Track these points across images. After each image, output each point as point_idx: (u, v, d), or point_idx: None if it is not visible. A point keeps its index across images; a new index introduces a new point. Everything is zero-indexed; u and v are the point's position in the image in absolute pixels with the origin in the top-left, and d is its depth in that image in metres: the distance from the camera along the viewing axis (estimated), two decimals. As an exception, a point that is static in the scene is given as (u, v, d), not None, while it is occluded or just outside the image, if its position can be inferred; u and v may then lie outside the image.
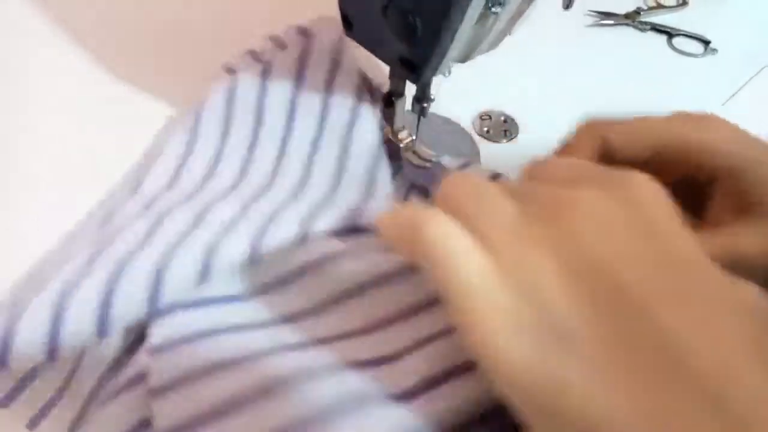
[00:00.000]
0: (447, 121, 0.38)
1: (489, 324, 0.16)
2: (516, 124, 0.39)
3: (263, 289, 0.25)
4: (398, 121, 0.34)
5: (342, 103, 0.33)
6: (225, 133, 0.33)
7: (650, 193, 0.18)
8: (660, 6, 0.50)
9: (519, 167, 0.36)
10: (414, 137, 0.35)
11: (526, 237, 0.17)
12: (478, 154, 0.37)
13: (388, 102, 0.32)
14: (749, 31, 0.48)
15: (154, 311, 0.23)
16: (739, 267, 0.20)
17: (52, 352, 0.22)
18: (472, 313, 0.17)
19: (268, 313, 0.24)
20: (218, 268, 0.23)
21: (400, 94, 0.32)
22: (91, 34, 0.42)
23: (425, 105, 0.32)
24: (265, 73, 0.34)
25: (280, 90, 0.34)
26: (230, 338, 0.22)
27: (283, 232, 0.25)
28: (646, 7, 0.49)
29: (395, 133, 0.35)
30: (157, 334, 0.22)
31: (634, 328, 0.16)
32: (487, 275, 0.17)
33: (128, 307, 0.22)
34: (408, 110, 0.33)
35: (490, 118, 0.39)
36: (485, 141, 0.38)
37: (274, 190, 0.30)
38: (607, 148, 0.25)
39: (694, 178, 0.25)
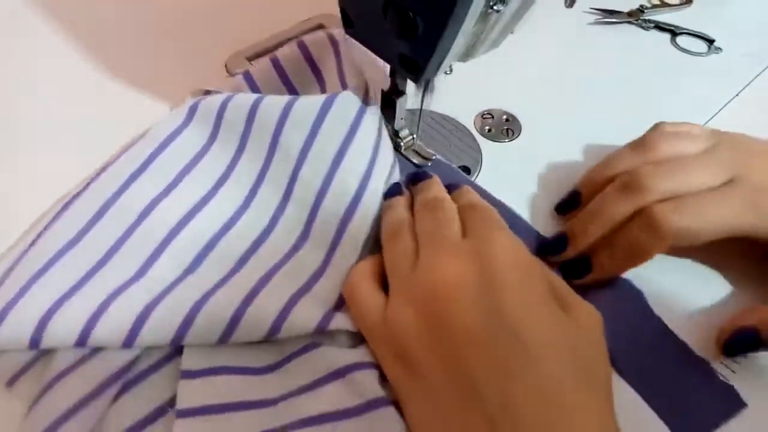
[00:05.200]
0: (448, 120, 0.38)
1: (372, 344, 0.25)
2: (518, 122, 0.39)
3: (273, 366, 0.26)
4: (399, 120, 0.34)
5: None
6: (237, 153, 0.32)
7: (506, 254, 0.23)
8: (664, 4, 0.49)
9: (520, 166, 0.36)
10: (415, 136, 0.35)
11: (407, 289, 0.24)
12: (479, 152, 0.37)
13: (389, 101, 0.32)
14: (753, 30, 0.48)
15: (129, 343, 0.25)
16: None
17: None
18: (366, 336, 0.25)
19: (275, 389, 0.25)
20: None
21: (401, 92, 0.32)
22: (90, 31, 0.42)
23: (426, 104, 0.31)
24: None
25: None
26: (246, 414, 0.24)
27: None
28: (649, 5, 0.49)
29: (396, 132, 0.34)
30: (184, 396, 0.24)
31: (453, 367, 0.21)
32: (377, 321, 0.24)
33: (111, 335, 0.24)
34: (408, 109, 0.33)
35: (492, 116, 0.39)
36: (487, 140, 0.37)
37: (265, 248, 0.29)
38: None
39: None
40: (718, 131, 0.31)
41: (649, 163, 0.29)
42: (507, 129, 0.38)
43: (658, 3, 0.49)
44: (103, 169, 0.31)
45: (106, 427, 0.23)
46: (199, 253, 0.28)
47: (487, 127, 0.38)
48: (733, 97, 0.41)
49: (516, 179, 0.35)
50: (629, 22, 0.48)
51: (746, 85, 0.42)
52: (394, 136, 0.34)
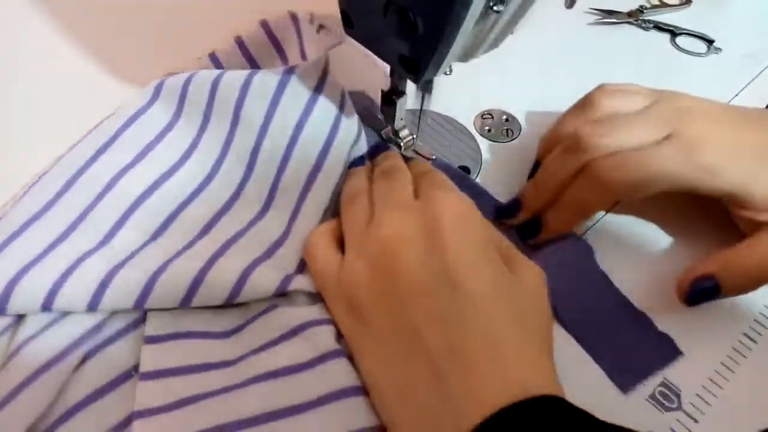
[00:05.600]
0: (448, 120, 0.38)
1: (329, 302, 0.26)
2: (517, 123, 0.39)
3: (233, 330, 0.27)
4: (399, 120, 0.34)
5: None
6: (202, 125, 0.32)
7: (449, 208, 0.24)
8: (663, 4, 0.49)
9: (520, 166, 0.36)
10: (414, 136, 0.35)
11: (359, 245, 0.25)
12: (479, 153, 0.37)
13: (389, 101, 0.32)
14: (753, 30, 0.48)
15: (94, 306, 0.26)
16: None
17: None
18: (324, 294, 0.26)
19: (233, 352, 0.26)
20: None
21: (401, 92, 0.32)
22: (88, 30, 0.42)
23: (426, 104, 0.31)
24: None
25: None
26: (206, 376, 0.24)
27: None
28: (649, 6, 0.49)
29: (396, 132, 0.34)
30: (147, 359, 0.25)
31: (399, 317, 0.22)
32: (333, 277, 0.26)
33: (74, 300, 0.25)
34: (408, 109, 0.33)
35: (492, 117, 0.39)
36: (486, 140, 0.37)
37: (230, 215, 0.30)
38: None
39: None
40: (659, 90, 0.32)
41: (590, 122, 0.30)
42: (507, 129, 0.38)
43: (658, 3, 0.49)
44: (72, 146, 0.32)
45: (71, 392, 0.24)
46: (163, 222, 0.29)
47: (486, 127, 0.38)
48: (733, 98, 0.41)
49: (516, 179, 0.35)
50: (629, 23, 0.48)
51: (746, 86, 0.42)
52: (394, 136, 0.34)
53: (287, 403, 0.23)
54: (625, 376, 0.27)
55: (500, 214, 0.32)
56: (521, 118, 0.39)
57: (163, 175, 0.31)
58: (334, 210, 0.30)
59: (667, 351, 0.28)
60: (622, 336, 0.28)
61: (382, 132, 0.35)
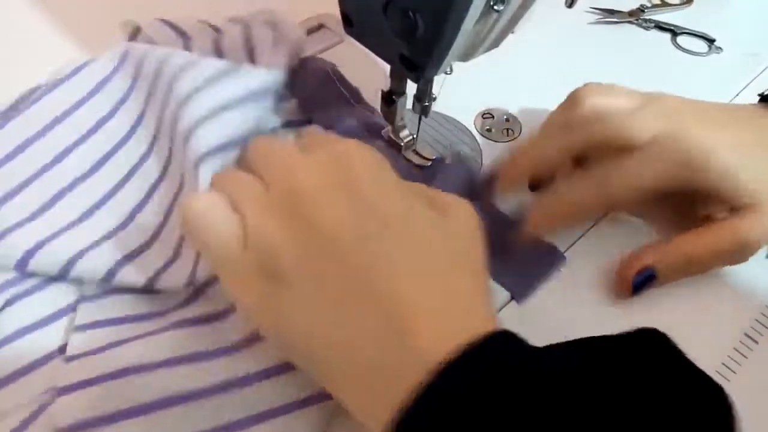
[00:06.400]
0: (449, 120, 0.38)
1: (230, 276, 0.23)
2: (518, 122, 0.39)
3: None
4: (399, 120, 0.34)
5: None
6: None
7: (357, 153, 0.23)
8: (664, 4, 0.49)
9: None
10: (415, 136, 0.34)
11: (267, 205, 0.23)
12: (479, 152, 0.37)
13: (389, 101, 0.32)
14: (754, 30, 0.48)
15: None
16: (746, 252, 0.29)
17: None
18: (222, 268, 0.23)
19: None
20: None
21: (401, 92, 0.32)
22: (88, 31, 0.42)
23: (426, 104, 0.31)
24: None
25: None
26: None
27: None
28: (650, 5, 0.49)
29: (396, 132, 0.34)
30: (72, 345, 0.26)
31: (333, 267, 0.21)
32: (233, 239, 0.22)
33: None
34: (409, 109, 0.33)
35: (492, 116, 0.39)
36: (487, 140, 0.37)
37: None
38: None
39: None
40: (645, 92, 0.32)
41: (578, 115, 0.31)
42: (507, 129, 0.38)
43: (659, 3, 0.49)
44: (30, 101, 0.33)
45: None
46: (98, 201, 0.31)
47: (487, 127, 0.38)
48: (734, 97, 0.41)
49: (516, 179, 0.34)
50: (630, 22, 0.48)
51: (746, 85, 0.42)
52: (395, 136, 0.34)
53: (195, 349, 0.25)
54: (517, 285, 0.29)
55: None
56: (522, 118, 0.39)
57: (106, 154, 0.32)
58: None
59: (553, 257, 0.31)
60: (512, 251, 0.30)
61: (382, 132, 0.35)
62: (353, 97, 0.36)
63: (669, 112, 0.29)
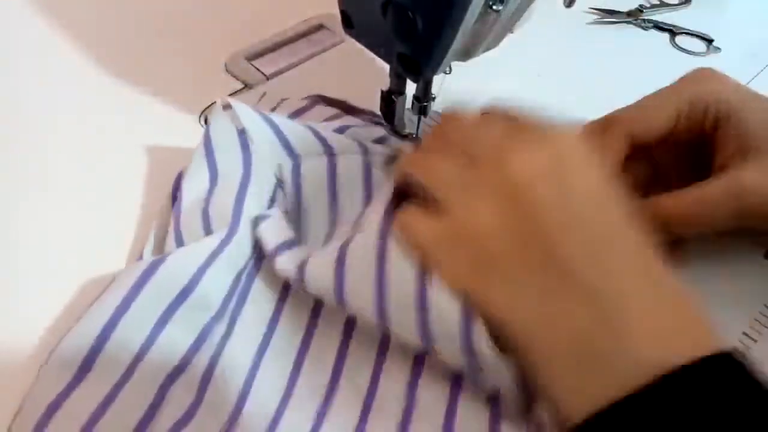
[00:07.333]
0: (448, 120, 0.38)
1: (443, 267, 0.23)
2: (517, 122, 0.39)
3: None
4: (399, 120, 0.34)
5: None
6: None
7: (571, 149, 0.23)
8: (663, 4, 0.49)
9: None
10: (414, 136, 0.35)
11: (472, 187, 0.23)
12: (479, 152, 0.36)
13: (389, 101, 0.32)
14: (752, 30, 0.48)
15: None
16: (745, 201, 0.26)
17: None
18: (434, 265, 0.23)
19: None
20: None
21: (401, 92, 0.32)
22: (87, 29, 0.42)
23: (426, 104, 0.31)
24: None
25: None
26: None
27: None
28: (648, 5, 0.49)
29: (396, 132, 0.34)
30: None
31: (546, 256, 0.21)
32: (440, 238, 0.23)
33: None
34: (408, 108, 0.33)
35: (492, 116, 0.39)
36: (486, 140, 0.37)
37: None
38: (635, 141, 0.29)
39: (704, 133, 0.29)
40: None
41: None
42: (506, 129, 0.38)
43: (657, 3, 0.49)
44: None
45: None
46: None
47: (486, 127, 0.38)
48: (732, 97, 0.41)
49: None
50: (628, 22, 0.48)
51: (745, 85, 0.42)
52: (395, 135, 0.34)
53: None
54: None
55: None
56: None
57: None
58: None
59: None
60: None
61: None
62: (343, 110, 0.36)
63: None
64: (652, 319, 0.20)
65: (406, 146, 0.32)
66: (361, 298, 0.24)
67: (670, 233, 0.27)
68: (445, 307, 0.22)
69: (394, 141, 0.33)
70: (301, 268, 0.25)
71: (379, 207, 0.25)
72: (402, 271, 0.23)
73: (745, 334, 0.29)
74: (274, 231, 0.27)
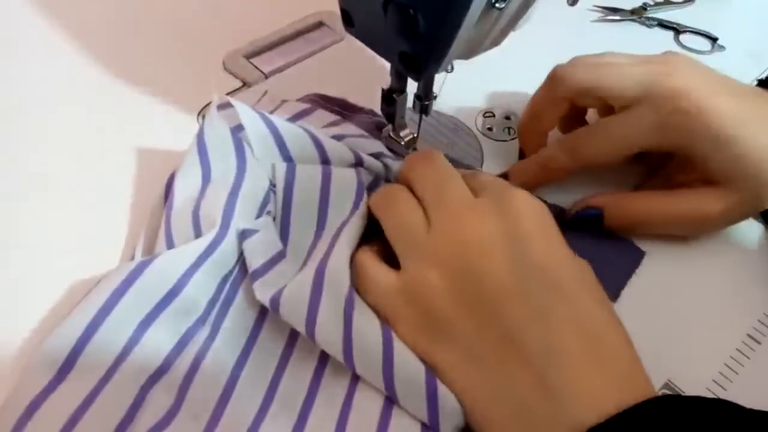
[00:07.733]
0: (449, 119, 0.38)
1: (397, 321, 0.23)
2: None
3: None
4: (399, 119, 0.33)
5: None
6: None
7: (526, 218, 0.23)
8: (667, 2, 0.49)
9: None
10: (415, 135, 0.34)
11: (426, 252, 0.23)
12: (480, 151, 0.36)
13: (390, 99, 0.32)
14: (757, 28, 0.48)
15: None
16: (704, 224, 0.30)
17: None
18: (389, 317, 0.24)
19: None
20: None
21: (402, 91, 0.32)
22: (86, 27, 0.41)
23: (427, 103, 0.31)
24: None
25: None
26: None
27: None
28: (652, 3, 0.49)
29: (396, 131, 0.34)
30: None
31: (490, 322, 0.22)
32: (392, 292, 0.23)
33: None
34: (409, 107, 0.32)
35: (493, 115, 0.39)
36: (488, 138, 0.37)
37: None
38: (575, 104, 0.32)
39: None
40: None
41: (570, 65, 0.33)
42: (508, 128, 0.38)
43: (662, 1, 0.49)
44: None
45: None
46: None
47: (488, 126, 0.38)
48: (737, 96, 0.41)
49: (517, 178, 0.34)
50: (632, 20, 0.47)
51: (749, 84, 0.42)
52: (395, 135, 0.34)
53: None
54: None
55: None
56: (523, 117, 0.38)
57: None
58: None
59: (633, 254, 0.30)
60: (592, 251, 0.27)
61: (383, 131, 0.35)
62: (343, 108, 0.36)
63: (665, 70, 0.30)
64: (589, 379, 0.20)
65: (396, 164, 0.32)
66: (330, 343, 0.24)
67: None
68: (410, 368, 0.22)
69: (390, 160, 0.32)
70: (276, 299, 0.25)
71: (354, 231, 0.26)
72: (368, 321, 0.23)
73: (749, 335, 0.29)
74: (260, 249, 0.27)
